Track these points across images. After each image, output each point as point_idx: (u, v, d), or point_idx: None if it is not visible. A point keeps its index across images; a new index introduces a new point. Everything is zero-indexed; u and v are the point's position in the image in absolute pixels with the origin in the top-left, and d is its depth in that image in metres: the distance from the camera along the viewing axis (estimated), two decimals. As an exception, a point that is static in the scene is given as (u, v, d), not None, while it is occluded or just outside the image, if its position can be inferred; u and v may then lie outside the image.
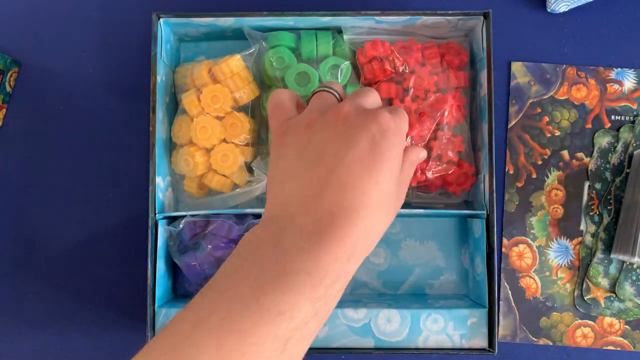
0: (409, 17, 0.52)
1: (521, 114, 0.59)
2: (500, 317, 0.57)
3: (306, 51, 0.53)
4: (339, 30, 0.54)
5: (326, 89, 0.41)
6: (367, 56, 0.53)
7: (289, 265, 0.33)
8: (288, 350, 0.32)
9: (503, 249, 0.57)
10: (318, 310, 0.33)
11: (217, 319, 0.31)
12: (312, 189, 0.35)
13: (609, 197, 0.57)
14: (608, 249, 0.57)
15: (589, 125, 0.58)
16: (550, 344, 0.57)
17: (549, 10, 0.59)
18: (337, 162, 0.35)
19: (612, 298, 0.57)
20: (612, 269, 0.57)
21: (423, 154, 0.43)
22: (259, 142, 0.56)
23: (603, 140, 0.58)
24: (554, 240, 0.58)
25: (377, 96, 0.41)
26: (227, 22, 0.53)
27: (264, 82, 0.55)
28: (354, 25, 0.53)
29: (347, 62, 0.53)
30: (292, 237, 0.34)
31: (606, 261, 0.57)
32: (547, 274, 0.57)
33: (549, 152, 0.58)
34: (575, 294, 0.57)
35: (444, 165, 0.53)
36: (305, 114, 0.39)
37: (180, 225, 0.52)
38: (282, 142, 0.38)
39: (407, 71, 0.53)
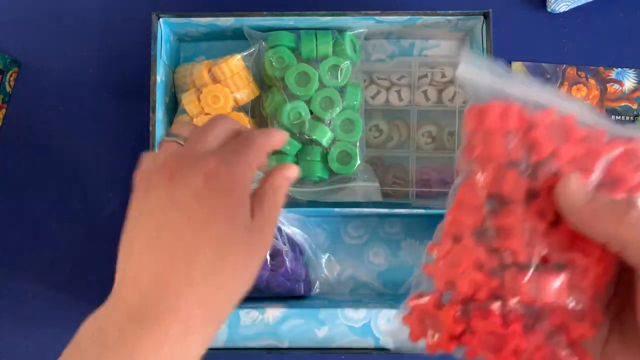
0: (409, 17, 0.52)
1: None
2: (500, 317, 0.57)
3: (306, 51, 0.53)
4: (339, 30, 0.54)
5: (169, 138, 0.37)
6: (485, 126, 0.29)
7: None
8: None
9: (503, 249, 0.57)
10: None
11: None
12: (139, 258, 0.33)
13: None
14: (608, 249, 0.56)
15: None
16: (550, 344, 0.57)
17: (549, 10, 0.59)
18: (163, 227, 0.32)
19: (612, 298, 0.57)
20: (612, 269, 0.57)
21: (286, 171, 0.36)
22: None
23: (603, 140, 0.58)
24: (554, 240, 0.57)
25: (221, 129, 0.36)
26: (227, 22, 0.53)
27: (264, 82, 0.55)
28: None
29: (347, 62, 0.53)
30: (117, 325, 0.31)
31: (606, 261, 0.56)
32: (547, 274, 0.57)
33: (549, 152, 0.58)
34: (575, 294, 0.57)
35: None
36: (141, 174, 0.36)
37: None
38: (128, 207, 0.35)
39: (544, 168, 0.29)
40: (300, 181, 0.54)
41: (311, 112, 0.53)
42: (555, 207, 0.27)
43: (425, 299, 0.30)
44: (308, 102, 0.53)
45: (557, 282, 0.27)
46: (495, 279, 0.28)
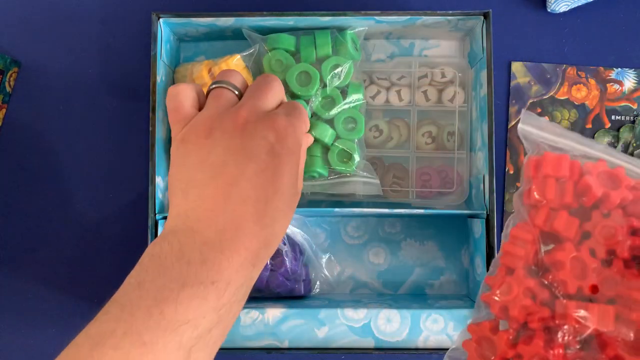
0: (409, 17, 0.52)
1: (521, 114, 0.59)
2: (501, 317, 0.57)
3: (305, 55, 0.53)
4: (339, 29, 0.54)
5: (223, 85, 0.40)
6: (541, 173, 0.34)
7: (193, 277, 0.33)
8: (192, 358, 0.32)
9: (503, 249, 0.57)
10: (221, 317, 0.34)
11: (120, 333, 0.31)
12: (214, 202, 0.36)
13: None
14: (608, 249, 0.56)
15: (589, 125, 0.58)
16: (551, 344, 0.57)
17: (549, 10, 0.59)
18: (238, 175, 0.36)
19: (612, 298, 0.57)
20: (612, 269, 0.57)
21: (310, 139, 0.46)
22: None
23: (603, 140, 0.58)
24: (554, 240, 0.57)
25: (277, 91, 0.41)
26: (227, 22, 0.53)
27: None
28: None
29: (350, 62, 0.53)
30: (195, 250, 0.34)
31: (606, 261, 0.57)
32: (547, 274, 0.57)
33: (549, 152, 0.58)
34: (576, 294, 0.57)
35: None
36: (203, 119, 0.38)
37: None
38: (183, 151, 0.38)
39: (597, 210, 0.33)
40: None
41: (313, 113, 0.53)
42: (610, 246, 0.31)
43: (483, 325, 0.34)
44: (309, 101, 0.53)
45: (604, 311, 0.30)
46: (545, 309, 0.31)
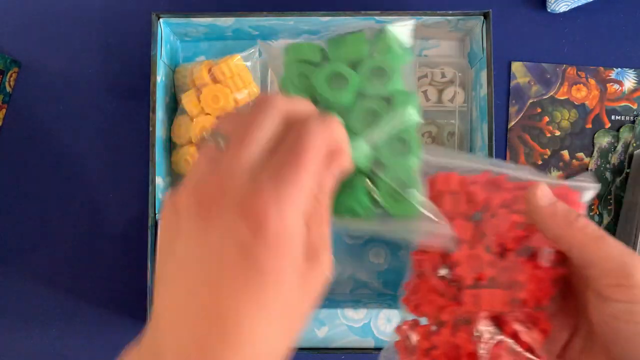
0: (409, 17, 0.52)
1: (521, 114, 0.59)
2: (500, 317, 0.57)
3: (335, 57, 0.40)
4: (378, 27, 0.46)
5: (211, 137, 0.28)
6: (435, 190, 0.38)
7: None
8: None
9: (503, 249, 0.57)
10: None
11: None
12: (177, 315, 0.27)
13: (609, 197, 0.57)
14: (608, 249, 0.57)
15: (589, 125, 0.58)
16: (550, 344, 0.57)
17: (549, 10, 0.59)
18: (202, 283, 0.26)
19: (612, 298, 0.57)
20: (612, 269, 0.57)
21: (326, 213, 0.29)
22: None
23: (603, 140, 0.58)
24: (554, 240, 0.58)
25: (267, 123, 0.27)
26: (227, 22, 0.53)
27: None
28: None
29: (396, 64, 0.39)
30: None
31: (606, 261, 0.57)
32: (547, 274, 0.57)
33: (549, 152, 0.58)
34: (576, 294, 0.57)
35: None
36: (176, 191, 0.28)
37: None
38: (159, 228, 0.29)
39: (487, 213, 0.37)
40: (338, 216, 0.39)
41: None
42: (501, 241, 0.35)
43: (404, 325, 0.38)
44: (343, 114, 0.39)
45: (492, 294, 0.35)
46: (454, 303, 0.36)
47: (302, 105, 0.29)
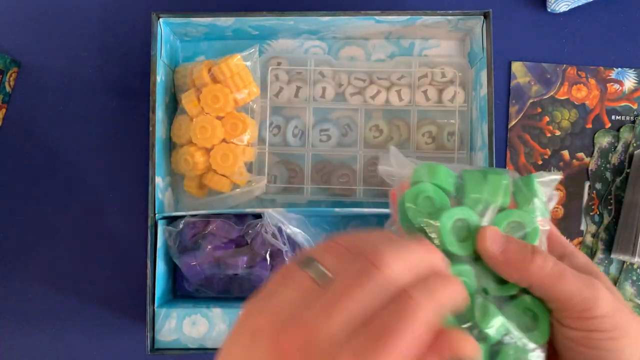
0: (409, 16, 0.52)
1: (521, 114, 0.59)
2: (501, 317, 0.57)
3: (469, 197, 0.35)
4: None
5: (307, 268, 0.25)
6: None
7: None
8: None
9: (503, 249, 0.57)
10: None
11: None
12: None
13: (609, 197, 0.57)
14: (608, 249, 0.57)
15: (589, 125, 0.58)
16: (551, 344, 0.57)
17: (549, 10, 0.59)
18: None
19: (612, 298, 0.57)
20: (613, 269, 0.57)
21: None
22: (259, 142, 0.56)
23: (603, 140, 0.58)
24: (554, 240, 0.57)
25: (373, 292, 0.23)
26: (227, 22, 0.53)
27: (402, 224, 0.37)
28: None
29: (536, 223, 0.34)
30: None
31: (606, 261, 0.57)
32: (547, 274, 0.57)
33: (549, 152, 0.58)
34: (576, 294, 0.57)
35: None
36: (253, 314, 0.25)
37: (180, 225, 0.52)
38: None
39: None
40: None
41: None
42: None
43: None
44: (471, 265, 0.34)
45: None
46: None
47: (418, 259, 0.25)
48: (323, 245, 0.26)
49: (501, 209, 0.35)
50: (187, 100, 0.53)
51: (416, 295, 0.23)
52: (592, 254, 0.57)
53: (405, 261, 0.24)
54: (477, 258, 0.33)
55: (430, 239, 0.34)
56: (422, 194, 0.36)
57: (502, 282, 0.33)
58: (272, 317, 0.23)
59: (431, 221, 0.34)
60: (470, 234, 0.34)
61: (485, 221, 0.34)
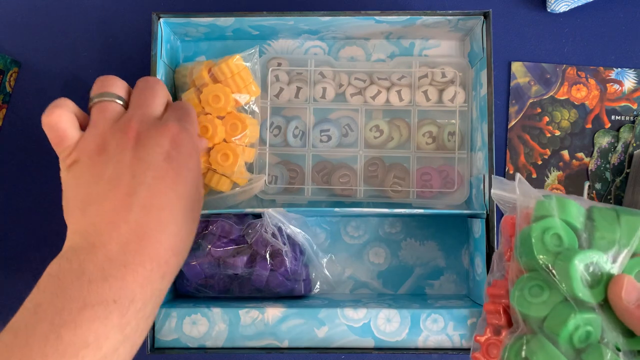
0: (409, 17, 0.52)
1: (521, 114, 0.59)
2: (501, 317, 0.57)
3: (603, 238, 0.33)
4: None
5: (105, 98, 0.39)
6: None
7: (94, 295, 0.31)
8: None
9: (503, 249, 0.57)
10: (127, 335, 0.32)
11: None
12: (114, 214, 0.34)
13: (609, 197, 0.57)
14: (608, 249, 0.57)
15: (589, 125, 0.58)
16: (551, 344, 0.57)
17: (549, 10, 0.59)
18: (137, 185, 0.35)
19: (612, 298, 0.57)
20: (612, 269, 0.57)
21: (205, 142, 0.46)
22: (260, 142, 0.56)
23: (603, 140, 0.58)
24: (554, 240, 0.57)
25: (162, 94, 0.40)
26: (227, 22, 0.53)
27: (519, 260, 0.35)
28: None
29: None
30: (97, 266, 0.32)
31: (606, 261, 0.57)
32: (547, 274, 0.57)
33: (549, 152, 0.58)
34: (576, 294, 0.57)
35: None
36: (92, 136, 0.37)
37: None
38: (75, 172, 0.37)
39: None
40: None
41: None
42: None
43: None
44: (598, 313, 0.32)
45: None
46: None
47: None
48: (101, 84, 0.41)
49: (634, 255, 0.33)
50: (188, 100, 0.53)
51: (186, 104, 0.42)
52: (592, 254, 0.57)
53: (165, 90, 0.43)
54: (602, 304, 0.31)
55: (555, 281, 0.32)
56: (551, 230, 0.33)
57: (631, 333, 0.31)
58: (117, 127, 0.38)
59: (560, 261, 0.32)
60: (599, 280, 0.32)
61: (616, 267, 0.32)
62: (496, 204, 0.48)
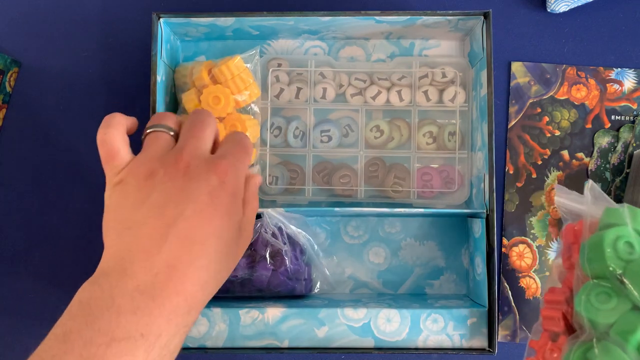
0: (409, 17, 0.52)
1: (521, 114, 0.59)
2: (500, 317, 0.57)
3: None
4: None
5: (158, 129, 0.40)
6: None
7: (122, 329, 0.31)
8: None
9: (503, 249, 0.57)
10: None
11: None
12: (150, 242, 0.34)
13: (609, 197, 0.57)
14: (608, 249, 0.57)
15: (589, 125, 0.58)
16: (550, 343, 0.57)
17: (549, 10, 0.59)
18: (177, 216, 0.35)
19: (612, 298, 0.57)
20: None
21: (259, 179, 0.44)
22: (260, 143, 0.56)
23: (603, 140, 0.58)
24: (554, 240, 0.58)
25: (213, 127, 0.40)
26: (227, 22, 0.53)
27: (586, 267, 0.35)
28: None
29: None
30: (127, 296, 0.33)
31: (606, 261, 0.57)
32: (547, 274, 0.57)
33: (549, 152, 0.58)
34: (576, 294, 0.57)
35: None
36: (142, 160, 0.38)
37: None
38: (120, 193, 0.37)
39: None
40: None
41: None
42: None
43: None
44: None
45: None
46: None
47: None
48: (157, 117, 0.41)
49: None
50: (188, 100, 0.53)
51: (240, 136, 0.42)
52: (591, 254, 0.57)
53: (214, 121, 0.41)
54: None
55: (626, 288, 0.32)
56: (623, 237, 0.34)
57: None
58: (166, 157, 0.38)
59: (631, 270, 0.32)
60: None
61: None
62: (500, 204, 0.48)
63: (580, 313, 0.34)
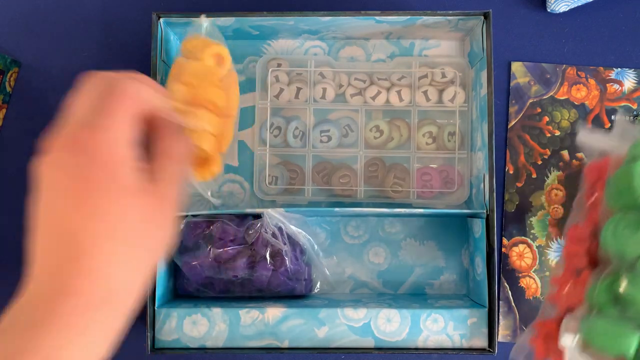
0: (409, 17, 0.52)
1: (521, 114, 0.59)
2: (500, 317, 0.57)
3: None
4: None
5: None
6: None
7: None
8: None
9: (503, 249, 0.57)
10: None
11: None
12: (42, 249, 0.33)
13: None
14: (608, 249, 0.57)
15: (589, 125, 0.58)
16: (550, 343, 0.57)
17: (549, 10, 0.59)
18: (46, 215, 0.33)
19: (612, 298, 0.57)
20: (612, 269, 0.57)
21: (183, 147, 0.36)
22: (260, 143, 0.56)
23: (603, 140, 0.58)
24: (554, 240, 0.58)
25: (89, 90, 0.37)
26: (227, 22, 0.53)
27: (611, 199, 0.35)
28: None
29: None
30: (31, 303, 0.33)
31: (606, 261, 0.57)
32: (547, 274, 0.57)
33: (549, 152, 0.58)
34: (576, 294, 0.57)
35: None
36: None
37: (181, 226, 0.52)
38: None
39: None
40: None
41: None
42: None
43: (549, 322, 0.36)
44: None
45: None
46: None
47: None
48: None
49: None
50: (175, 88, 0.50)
51: (119, 79, 0.35)
52: (591, 254, 0.57)
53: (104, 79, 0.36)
54: None
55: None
56: None
57: None
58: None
59: None
60: None
61: None
62: (495, 202, 0.47)
63: (608, 245, 0.33)
